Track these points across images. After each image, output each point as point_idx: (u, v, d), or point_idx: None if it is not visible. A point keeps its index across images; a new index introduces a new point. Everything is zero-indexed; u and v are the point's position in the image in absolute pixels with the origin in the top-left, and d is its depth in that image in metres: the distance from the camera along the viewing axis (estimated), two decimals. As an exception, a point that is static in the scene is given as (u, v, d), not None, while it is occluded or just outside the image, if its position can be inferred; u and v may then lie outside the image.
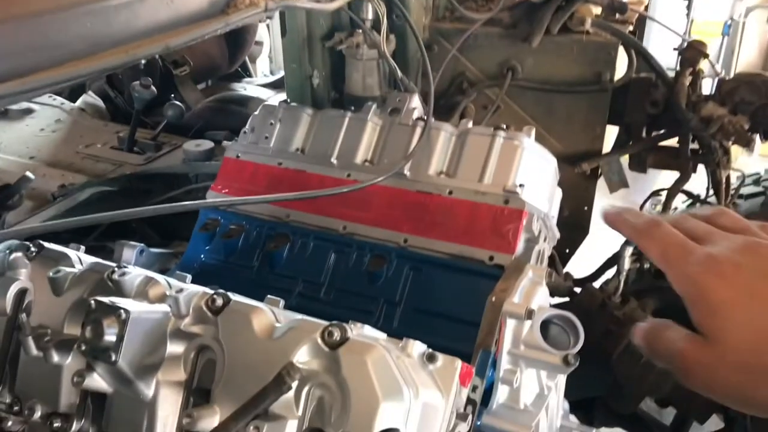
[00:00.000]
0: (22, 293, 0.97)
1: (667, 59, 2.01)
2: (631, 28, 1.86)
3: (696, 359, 0.60)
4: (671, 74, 1.81)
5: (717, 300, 0.58)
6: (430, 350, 0.81)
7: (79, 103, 2.38)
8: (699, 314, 0.60)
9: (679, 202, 2.13)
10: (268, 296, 0.91)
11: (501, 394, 1.03)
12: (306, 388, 0.76)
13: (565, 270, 1.91)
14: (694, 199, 2.07)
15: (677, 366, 0.62)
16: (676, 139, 1.87)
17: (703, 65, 1.80)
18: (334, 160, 1.39)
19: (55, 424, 0.87)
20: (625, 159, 1.98)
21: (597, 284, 1.80)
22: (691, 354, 0.61)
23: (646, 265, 1.90)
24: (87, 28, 0.76)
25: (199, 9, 0.90)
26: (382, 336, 0.83)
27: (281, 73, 3.23)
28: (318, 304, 1.28)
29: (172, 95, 2.36)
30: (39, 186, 1.68)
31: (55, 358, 0.87)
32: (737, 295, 0.58)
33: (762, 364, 0.55)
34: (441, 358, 0.80)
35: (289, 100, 1.60)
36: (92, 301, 0.79)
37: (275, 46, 4.66)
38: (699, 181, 1.97)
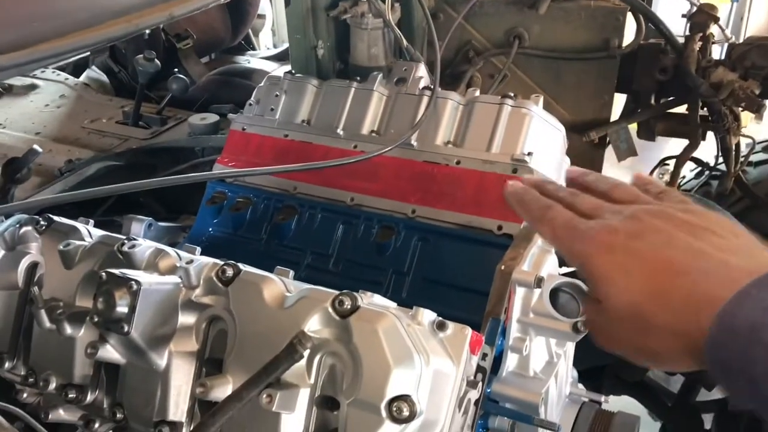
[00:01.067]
0: (33, 267, 0.98)
1: (676, 25, 1.97)
2: (639, -7, 1.83)
3: (594, 322, 0.68)
4: (680, 40, 1.78)
5: (599, 269, 0.64)
6: (440, 318, 0.81)
7: (83, 78, 2.37)
8: (589, 285, 0.66)
9: (688, 169, 2.11)
10: (278, 267, 0.92)
11: (510, 361, 1.03)
12: (318, 357, 0.77)
13: (573, 239, 1.91)
14: (703, 166, 2.05)
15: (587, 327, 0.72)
16: (685, 106, 1.85)
17: (713, 30, 1.77)
18: (340, 131, 1.38)
19: (70, 395, 0.88)
20: (633, 127, 1.96)
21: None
22: (590, 317, 0.69)
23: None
24: (90, -3, 0.75)
25: (202, -23, 0.89)
26: (392, 305, 0.83)
27: (285, 46, 3.20)
28: (327, 276, 1.28)
29: (176, 69, 2.34)
30: (46, 161, 1.68)
31: (68, 330, 0.87)
32: (615, 260, 0.63)
33: (643, 320, 0.60)
34: (451, 326, 0.81)
35: (294, 72, 1.58)
36: (103, 273, 0.80)
37: (278, 19, 4.62)
38: (708, 149, 1.95)
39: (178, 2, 0.84)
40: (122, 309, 0.78)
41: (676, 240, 0.61)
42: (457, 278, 1.20)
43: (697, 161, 2.02)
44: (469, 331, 0.80)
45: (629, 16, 1.76)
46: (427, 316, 0.80)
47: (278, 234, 1.35)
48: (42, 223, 0.99)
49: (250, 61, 2.75)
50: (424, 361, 0.75)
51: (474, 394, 0.84)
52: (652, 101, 1.89)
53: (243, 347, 0.80)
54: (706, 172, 2.06)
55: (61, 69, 2.35)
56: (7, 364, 0.95)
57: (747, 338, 0.50)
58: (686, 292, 0.58)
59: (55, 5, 0.71)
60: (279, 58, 2.78)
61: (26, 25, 0.68)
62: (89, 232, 0.99)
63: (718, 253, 0.59)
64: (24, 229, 0.98)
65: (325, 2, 1.66)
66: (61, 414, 0.91)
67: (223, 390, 0.78)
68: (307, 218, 1.34)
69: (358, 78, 1.46)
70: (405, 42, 1.57)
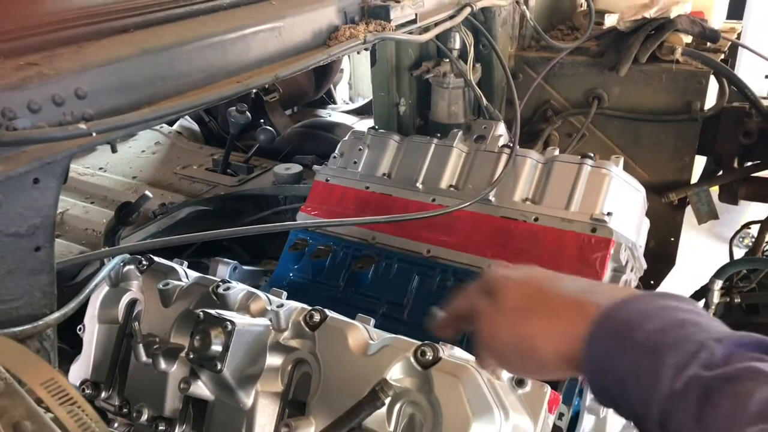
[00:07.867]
0: (132, 303, 1.05)
1: (758, 86, 1.94)
2: (722, 56, 1.82)
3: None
4: (764, 102, 1.75)
5: None
6: (519, 374, 0.82)
7: (176, 126, 2.52)
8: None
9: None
10: (360, 314, 0.95)
11: (587, 423, 1.02)
12: (398, 405, 0.79)
13: (650, 302, 1.86)
14: (789, 232, 1.98)
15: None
16: (771, 169, 1.80)
17: (801, 94, 1.74)
18: (419, 185, 1.43)
19: (160, 427, 0.93)
20: (714, 189, 1.93)
21: (684, 318, 1.74)
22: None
23: (737, 300, 1.83)
24: (206, 60, 0.83)
25: (303, 41, 0.96)
26: (471, 358, 0.85)
27: (361, 100, 3.31)
28: (400, 326, 1.30)
29: (261, 120, 2.45)
30: (141, 204, 1.79)
31: (163, 365, 0.93)
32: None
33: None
34: (530, 383, 0.81)
35: (376, 127, 1.65)
36: (201, 313, 0.85)
37: (355, 73, 4.78)
38: (796, 214, 1.88)
39: (283, 64, 0.91)
40: (217, 347, 0.82)
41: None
42: (532, 335, 1.19)
43: (784, 227, 1.95)
44: (548, 389, 0.81)
45: (711, 79, 1.75)
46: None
47: (355, 282, 1.39)
48: (144, 262, 1.07)
49: (330, 114, 2.85)
50: (503, 417, 0.76)
51: (550, 454, 0.84)
52: (735, 164, 1.86)
53: (326, 391, 0.83)
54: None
55: (156, 117, 2.50)
56: (103, 394, 1.01)
57: (622, 335, 0.56)
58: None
59: (177, 67, 0.79)
60: (358, 112, 2.88)
61: (152, 85, 0.76)
62: (185, 272, 1.05)
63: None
64: (127, 267, 1.06)
65: (409, 62, 1.73)
66: (150, 445, 0.96)
67: (306, 432, 0.81)
68: (384, 268, 1.38)
69: (438, 134, 1.51)
70: (485, 101, 1.62)
